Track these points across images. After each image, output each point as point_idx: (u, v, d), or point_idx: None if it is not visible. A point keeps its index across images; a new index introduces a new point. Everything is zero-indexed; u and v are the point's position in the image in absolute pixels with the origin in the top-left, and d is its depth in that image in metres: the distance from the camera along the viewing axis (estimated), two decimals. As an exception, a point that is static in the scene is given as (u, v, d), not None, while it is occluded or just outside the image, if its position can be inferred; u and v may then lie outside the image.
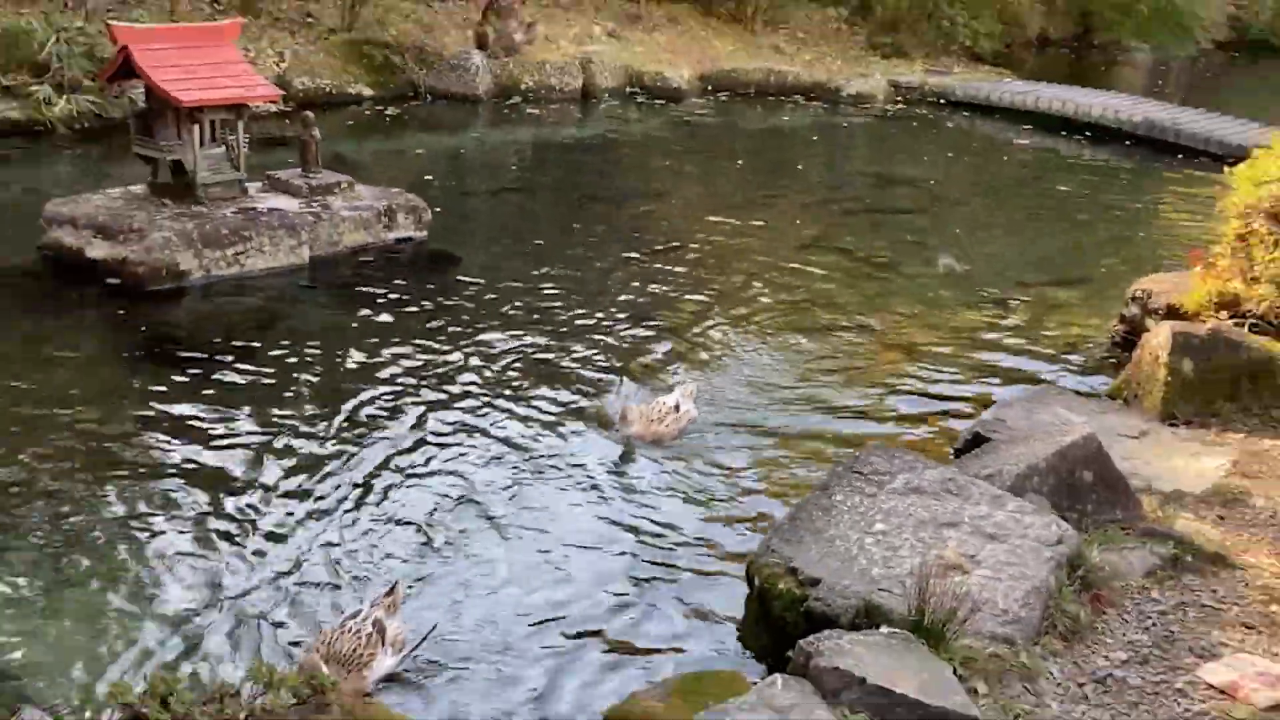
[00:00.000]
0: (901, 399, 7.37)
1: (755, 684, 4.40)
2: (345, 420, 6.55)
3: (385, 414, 6.65)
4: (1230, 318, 6.99)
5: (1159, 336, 6.67)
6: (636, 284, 9.22)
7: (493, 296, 8.59)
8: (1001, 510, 5.01)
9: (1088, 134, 16.28)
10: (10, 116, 12.34)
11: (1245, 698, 4.04)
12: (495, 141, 14.68)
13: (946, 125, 16.95)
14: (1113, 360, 7.86)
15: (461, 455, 6.28)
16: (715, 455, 6.46)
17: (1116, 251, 10.82)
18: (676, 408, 6.57)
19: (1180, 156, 15.08)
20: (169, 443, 6.17)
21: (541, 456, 6.32)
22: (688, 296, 8.95)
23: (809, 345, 8.15)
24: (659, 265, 9.74)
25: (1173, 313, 7.39)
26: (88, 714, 4.01)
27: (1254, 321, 6.86)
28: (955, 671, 4.02)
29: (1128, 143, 15.82)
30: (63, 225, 8.44)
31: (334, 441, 6.30)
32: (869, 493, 5.17)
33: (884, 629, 4.25)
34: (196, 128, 8.52)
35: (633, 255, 10.01)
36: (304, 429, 6.41)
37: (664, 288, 9.16)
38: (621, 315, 8.46)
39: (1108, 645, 4.42)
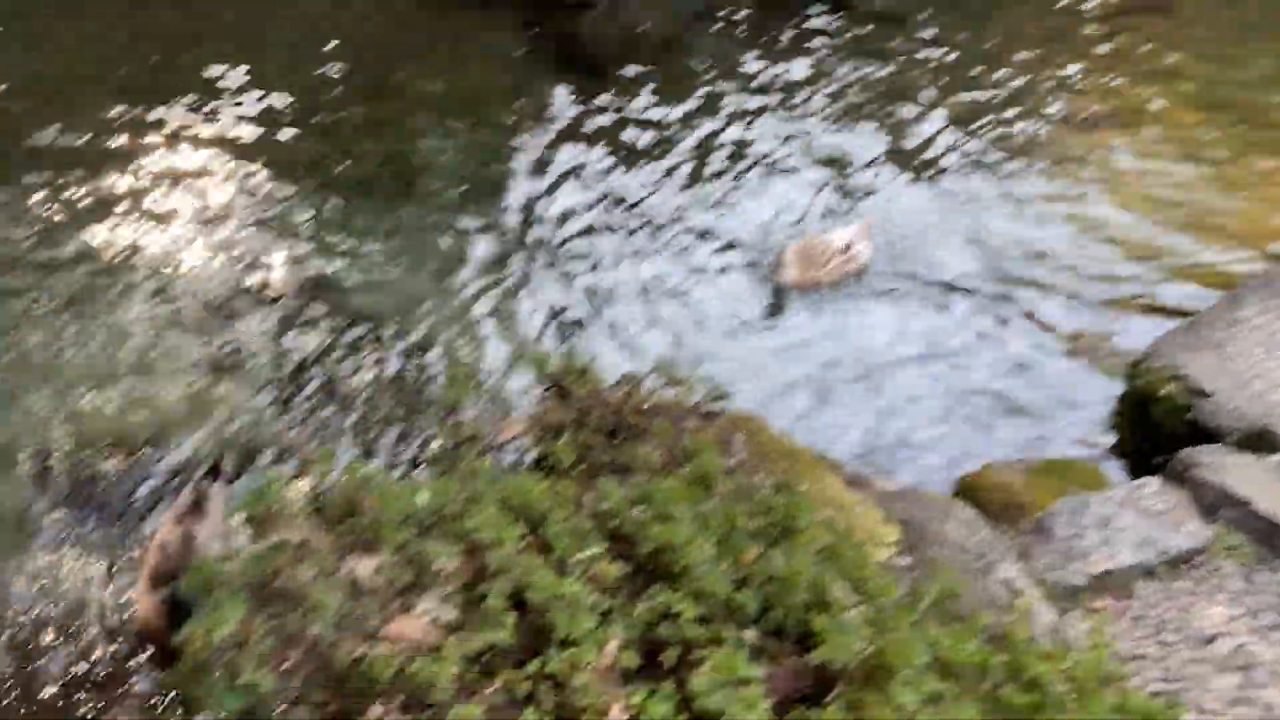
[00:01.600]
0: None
1: (1118, 481, 4.35)
2: (702, 151, 6.69)
3: (740, 151, 6.71)
4: None
5: None
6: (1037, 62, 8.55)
7: (889, 40, 8.16)
8: None
9: None
10: None
11: None
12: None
13: None
14: None
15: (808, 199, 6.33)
16: (1112, 236, 6.11)
17: None
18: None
19: None
20: (550, 144, 6.58)
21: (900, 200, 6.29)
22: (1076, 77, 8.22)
23: (1176, 145, 7.31)
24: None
25: None
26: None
27: None
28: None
29: None
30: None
31: (688, 164, 6.52)
32: (1283, 314, 4.80)
33: (1276, 456, 4.05)
34: None
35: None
36: (663, 152, 6.64)
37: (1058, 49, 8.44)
38: (1019, 74, 7.97)
39: None
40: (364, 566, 2.37)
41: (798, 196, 6.28)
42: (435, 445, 3.84)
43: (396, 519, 2.50)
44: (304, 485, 2.69)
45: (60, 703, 3.67)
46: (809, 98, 7.32)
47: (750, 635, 2.35)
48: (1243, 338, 4.65)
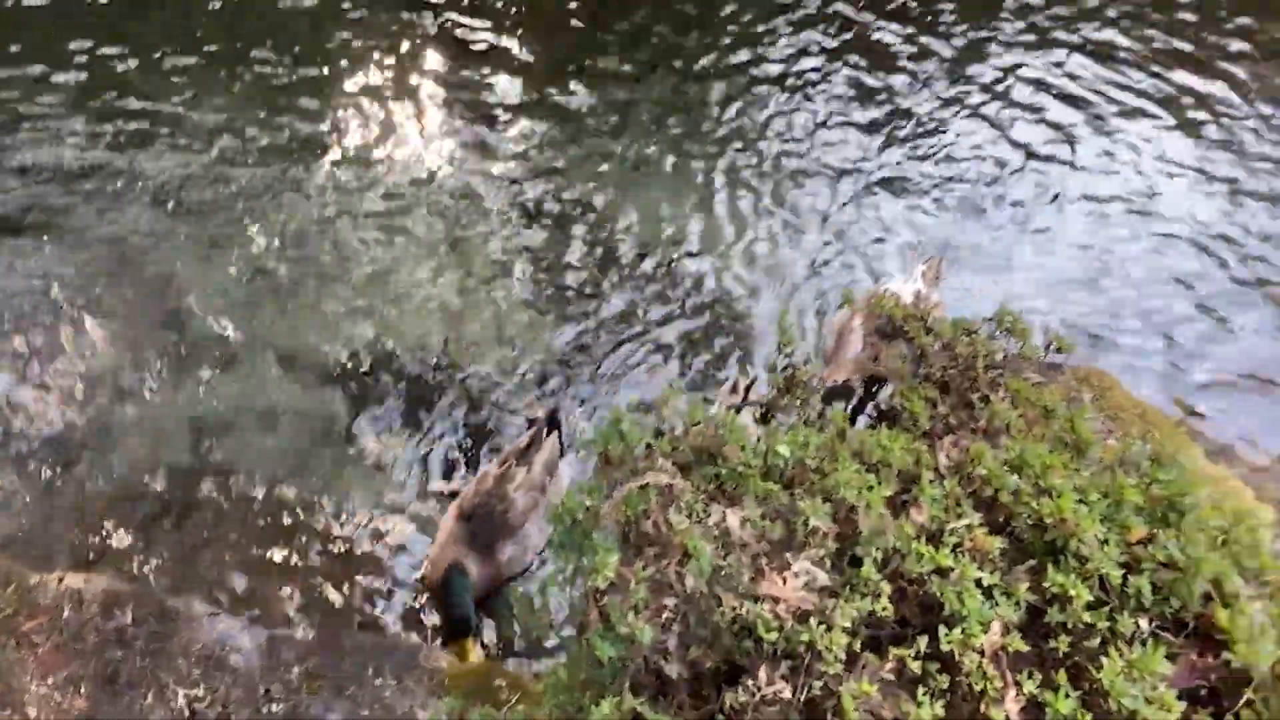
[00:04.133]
0: None
1: None
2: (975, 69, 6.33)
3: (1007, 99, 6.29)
4: None
5: None
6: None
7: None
8: None
9: None
10: None
11: None
12: None
13: None
14: None
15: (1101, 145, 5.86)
16: None
17: None
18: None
19: None
20: (817, 55, 6.31)
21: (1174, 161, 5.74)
22: None
23: None
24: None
25: None
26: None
27: None
28: None
29: None
30: None
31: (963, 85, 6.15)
32: None
33: None
34: None
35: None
36: (934, 94, 6.28)
37: None
38: None
39: None
40: (731, 517, 2.32)
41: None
42: (763, 386, 3.77)
43: (759, 469, 2.44)
44: (651, 423, 2.65)
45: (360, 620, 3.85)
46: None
47: (1146, 626, 2.19)
48: None
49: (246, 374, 4.64)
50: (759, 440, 2.55)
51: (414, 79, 6.16)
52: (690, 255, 4.92)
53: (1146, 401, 3.16)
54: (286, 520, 4.15)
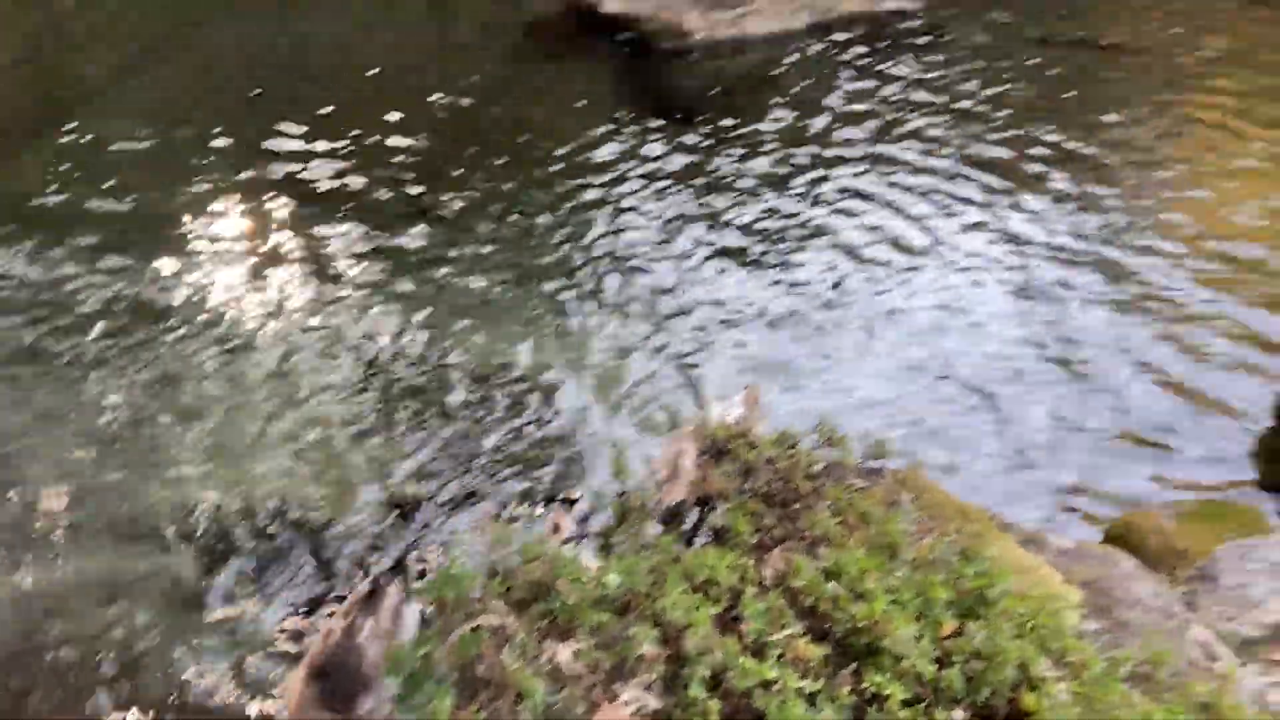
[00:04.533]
0: None
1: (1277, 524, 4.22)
2: (810, 188, 6.74)
3: (846, 190, 6.74)
4: None
5: None
6: (1140, 71, 8.48)
7: (971, 78, 8.22)
8: None
9: None
10: None
11: None
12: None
13: None
14: None
15: (926, 239, 6.30)
16: (1227, 278, 6.00)
17: None
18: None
19: None
20: (654, 190, 6.62)
21: (1015, 250, 6.20)
22: (1188, 100, 8.10)
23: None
24: (1159, 56, 8.85)
25: None
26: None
27: None
28: None
29: None
30: (582, -20, 8.92)
31: (793, 207, 6.54)
32: None
33: None
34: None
35: (1137, 44, 9.14)
36: (769, 191, 6.68)
37: (1157, 80, 8.34)
38: (1100, 102, 7.93)
39: None
40: (563, 651, 2.37)
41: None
42: (601, 516, 3.84)
43: (590, 601, 2.50)
44: (485, 565, 2.70)
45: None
46: (893, 145, 7.30)
47: (960, 716, 2.30)
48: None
49: (88, 545, 4.51)
50: (596, 570, 2.62)
51: (255, 227, 6.21)
52: (526, 384, 5.01)
53: (961, 498, 3.34)
54: (133, 692, 4.00)
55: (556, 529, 3.96)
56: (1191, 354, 5.39)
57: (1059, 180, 6.87)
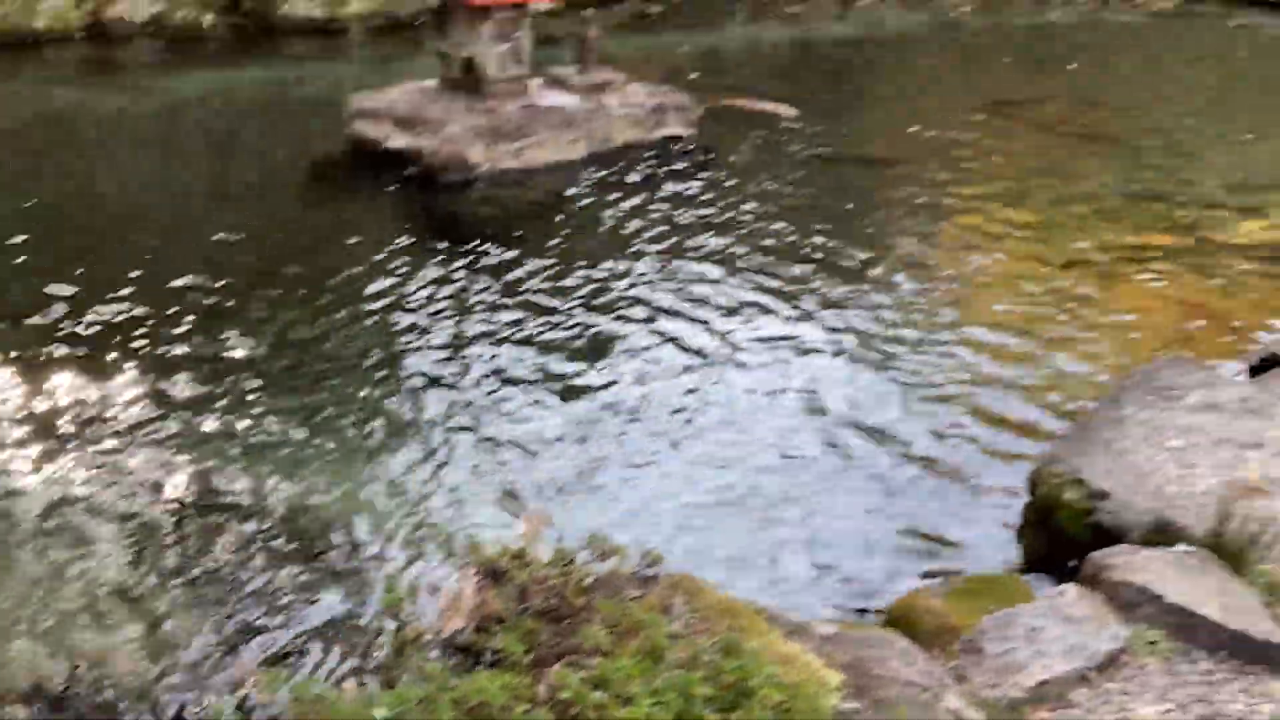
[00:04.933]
0: (1174, 314, 7.17)
1: (1038, 591, 4.51)
2: (600, 303, 6.98)
3: (640, 307, 6.99)
4: None
5: None
6: (885, 181, 9.28)
7: (749, 195, 8.78)
8: (1307, 435, 4.87)
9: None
10: (313, 15, 13.33)
11: None
12: (754, 39, 14.70)
13: (1232, 23, 15.74)
14: None
15: (714, 344, 6.57)
16: (979, 362, 6.49)
17: None
18: None
19: None
20: (445, 317, 6.72)
21: (798, 349, 6.55)
22: (942, 204, 8.88)
23: (1066, 253, 7.96)
24: (911, 163, 9.71)
25: None
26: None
27: None
28: (1260, 596, 4.00)
29: None
30: (365, 118, 9.10)
31: (592, 329, 6.73)
32: (1161, 407, 5.11)
33: (1180, 546, 4.25)
34: (485, 26, 8.94)
35: (883, 154, 9.99)
36: (568, 314, 6.86)
37: (917, 188, 9.14)
38: (865, 210, 8.62)
39: None
40: (330, 794, 2.35)
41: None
42: (379, 650, 3.80)
43: (358, 739, 2.49)
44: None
45: None
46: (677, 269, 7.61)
47: (722, 809, 2.38)
48: (1128, 434, 4.93)
49: None
50: (359, 708, 2.61)
51: (27, 383, 5.96)
52: (308, 520, 4.91)
53: (738, 597, 3.48)
54: None
55: (332, 667, 3.89)
56: (956, 439, 5.77)
57: (833, 283, 7.35)
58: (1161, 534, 4.39)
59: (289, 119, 10.94)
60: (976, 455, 5.63)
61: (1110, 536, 4.45)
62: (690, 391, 6.08)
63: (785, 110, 10.60)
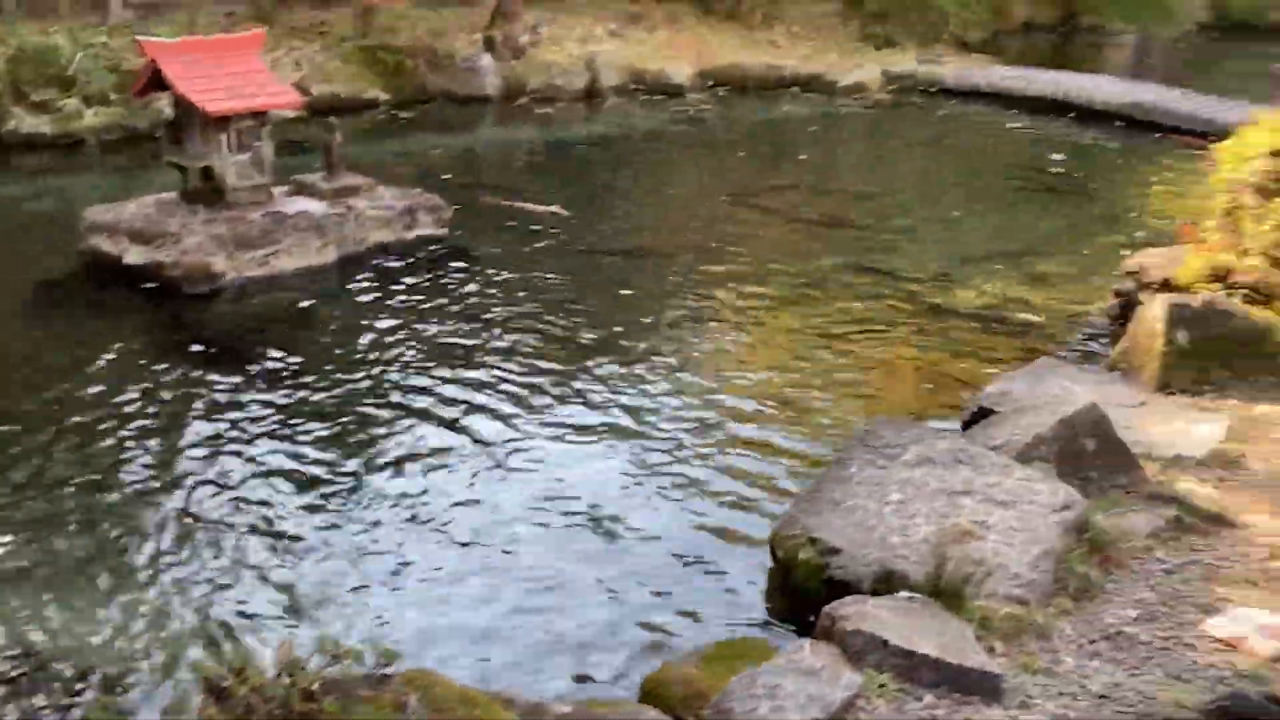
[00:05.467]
0: (905, 377, 7.72)
1: (782, 649, 4.71)
2: (364, 409, 6.93)
3: (400, 405, 7.00)
4: (1222, 289, 7.27)
5: (1155, 309, 6.96)
6: (641, 271, 9.65)
7: (509, 289, 8.94)
8: (1010, 478, 5.31)
9: (1074, 115, 16.50)
10: (43, 131, 12.79)
11: (1250, 650, 4.32)
12: (507, 141, 15.03)
13: (939, 112, 17.23)
14: (1108, 334, 8.17)
15: (473, 436, 6.64)
16: (733, 431, 6.79)
17: (1109, 228, 11.13)
18: None
19: (1165, 135, 15.27)
20: (199, 434, 6.52)
21: (561, 434, 6.70)
22: (695, 287, 9.28)
23: (809, 327, 8.47)
24: (665, 253, 10.13)
25: (1166, 286, 7.65)
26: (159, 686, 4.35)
27: (1245, 292, 7.14)
28: (974, 631, 4.31)
29: (1116, 123, 16.06)
30: (100, 233, 8.78)
31: (352, 430, 6.69)
32: (882, 464, 5.46)
33: (903, 593, 4.55)
34: (224, 135, 8.83)
35: (639, 245, 10.37)
36: (327, 419, 6.78)
37: (670, 274, 9.55)
38: (625, 300, 8.94)
39: (1117, 603, 4.68)
40: None
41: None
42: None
43: None
44: None
45: None
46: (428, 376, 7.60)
47: None
48: (854, 492, 5.25)
49: None
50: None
51: None
52: (43, 662, 4.62)
53: (484, 686, 3.48)
54: None
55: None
56: (710, 507, 6.02)
57: (591, 367, 7.57)
58: (887, 582, 4.69)
59: (19, 236, 10.42)
60: (730, 522, 5.87)
61: (843, 589, 4.72)
62: (442, 481, 6.11)
63: (552, 209, 10.89)
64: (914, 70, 18.52)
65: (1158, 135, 15.22)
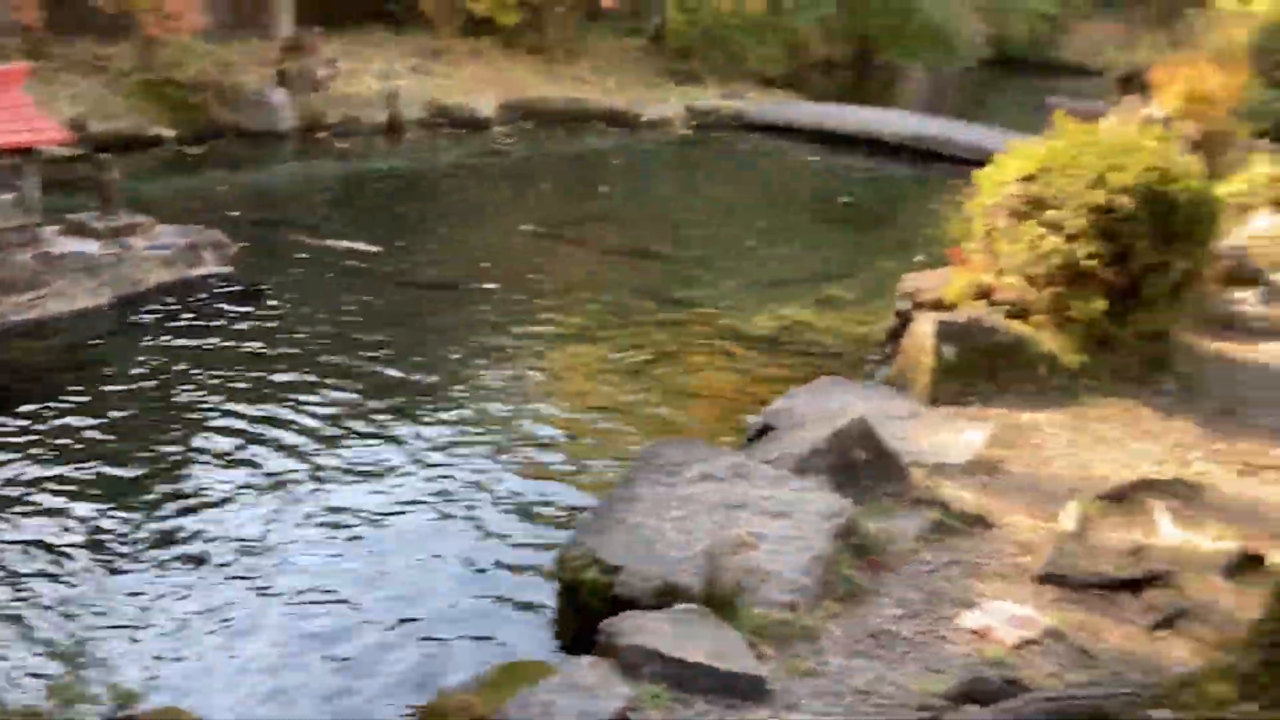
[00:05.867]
0: (700, 399, 7.92)
1: (562, 669, 4.72)
2: (142, 452, 6.65)
3: (183, 445, 6.76)
4: (986, 306, 7.73)
5: (923, 326, 7.36)
6: (443, 304, 9.59)
7: (300, 324, 8.75)
8: (785, 490, 5.52)
9: (867, 148, 17.29)
10: None
11: (997, 639, 4.60)
12: (303, 176, 14.69)
13: (740, 146, 17.80)
14: (887, 352, 8.57)
15: (267, 475, 6.46)
16: (529, 458, 6.81)
17: (896, 254, 11.68)
18: None
19: (950, 164, 16.13)
20: None
21: (349, 468, 6.59)
22: (497, 319, 9.29)
23: (608, 356, 8.59)
24: (467, 286, 10.08)
25: (938, 305, 8.08)
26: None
27: (1006, 308, 7.61)
28: (745, 638, 4.43)
29: (904, 154, 16.91)
30: None
31: (137, 473, 6.42)
32: (667, 482, 5.59)
33: (679, 605, 4.64)
34: (-16, 175, 8.34)
35: (441, 278, 10.30)
36: (109, 463, 6.48)
37: (472, 307, 9.52)
38: (426, 332, 8.86)
39: (882, 604, 4.92)
40: None
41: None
42: None
43: None
44: None
45: None
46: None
47: None
48: (637, 510, 5.34)
49: None
50: None
51: None
52: None
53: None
54: None
55: None
56: (503, 535, 6.04)
57: (395, 400, 7.49)
58: (666, 596, 4.77)
59: None
60: (523, 547, 5.90)
61: (626, 606, 4.77)
62: (229, 519, 5.92)
63: (361, 245, 10.72)
64: (717, 105, 19.07)
65: (947, 165, 16.10)
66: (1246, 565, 5.08)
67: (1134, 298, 7.10)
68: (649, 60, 20.89)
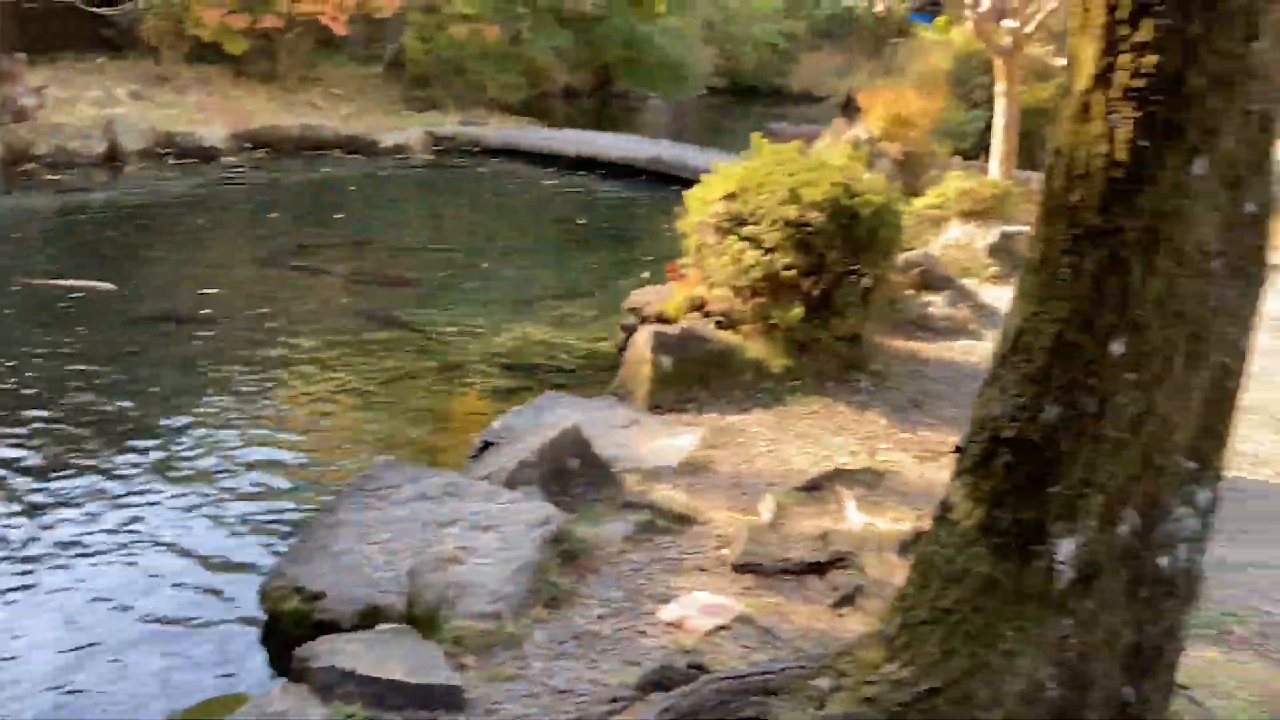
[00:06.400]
0: (431, 421, 7.91)
1: (254, 699, 4.61)
2: None
3: None
4: (701, 317, 8.08)
5: (641, 337, 7.63)
6: (168, 337, 9.21)
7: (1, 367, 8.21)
8: (495, 504, 5.58)
9: (604, 171, 17.73)
10: None
11: (690, 628, 4.81)
12: (12, 210, 13.73)
13: (480, 170, 17.88)
14: (616, 365, 8.82)
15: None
16: (244, 490, 6.62)
17: (629, 271, 12.00)
18: None
19: (684, 186, 16.68)
20: None
21: (59, 502, 6.29)
22: (224, 351, 9.00)
23: (338, 383, 8.47)
24: (194, 318, 9.74)
25: (660, 318, 8.39)
26: None
27: (718, 319, 7.97)
28: (446, 651, 4.46)
29: (641, 177, 17.44)
30: None
31: None
32: (376, 506, 5.55)
33: (380, 626, 4.63)
34: None
35: (166, 311, 9.89)
36: None
37: (200, 339, 9.20)
38: (148, 366, 8.49)
39: (587, 606, 5.04)
40: None
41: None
42: None
43: None
44: None
45: None
46: None
47: None
48: (342, 536, 5.27)
49: None
50: None
51: None
52: None
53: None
54: None
55: None
56: (206, 563, 5.84)
57: (109, 438, 7.12)
58: (369, 618, 4.74)
59: None
60: (230, 581, 5.71)
61: (331, 630, 4.70)
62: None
63: (96, 284, 10.11)
64: (457, 132, 19.10)
65: (678, 187, 16.66)
66: (918, 542, 5.49)
67: (829, 305, 7.58)
68: (386, 88, 20.72)
